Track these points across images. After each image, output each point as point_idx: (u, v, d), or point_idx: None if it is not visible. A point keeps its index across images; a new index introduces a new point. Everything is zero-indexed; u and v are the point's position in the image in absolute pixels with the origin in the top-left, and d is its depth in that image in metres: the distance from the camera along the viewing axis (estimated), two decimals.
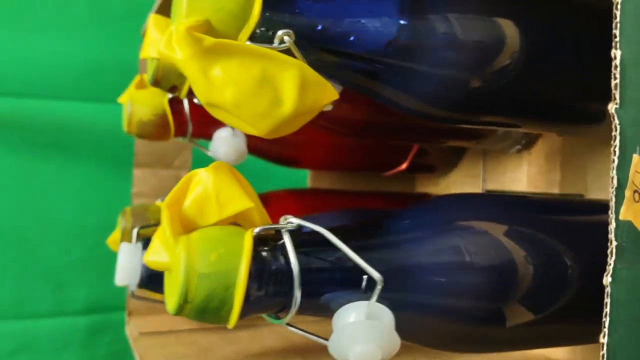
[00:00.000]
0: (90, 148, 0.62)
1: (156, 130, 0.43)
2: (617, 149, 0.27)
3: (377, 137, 0.43)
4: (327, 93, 0.26)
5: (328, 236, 0.24)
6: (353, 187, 0.57)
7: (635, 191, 0.28)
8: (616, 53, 0.27)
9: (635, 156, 0.28)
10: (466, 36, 0.28)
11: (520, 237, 0.28)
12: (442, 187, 0.54)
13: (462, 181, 0.52)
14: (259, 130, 0.25)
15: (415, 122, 0.40)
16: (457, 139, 0.44)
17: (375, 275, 0.24)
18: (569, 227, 0.29)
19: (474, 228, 0.28)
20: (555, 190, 0.42)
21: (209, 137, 0.45)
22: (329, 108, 0.31)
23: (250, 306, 0.23)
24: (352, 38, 0.27)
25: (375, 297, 0.24)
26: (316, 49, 0.27)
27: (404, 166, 0.49)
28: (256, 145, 0.46)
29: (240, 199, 0.24)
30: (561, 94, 0.31)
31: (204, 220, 0.24)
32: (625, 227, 0.27)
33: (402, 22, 0.27)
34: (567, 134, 0.39)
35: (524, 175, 0.45)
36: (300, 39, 0.27)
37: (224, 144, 0.44)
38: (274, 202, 0.48)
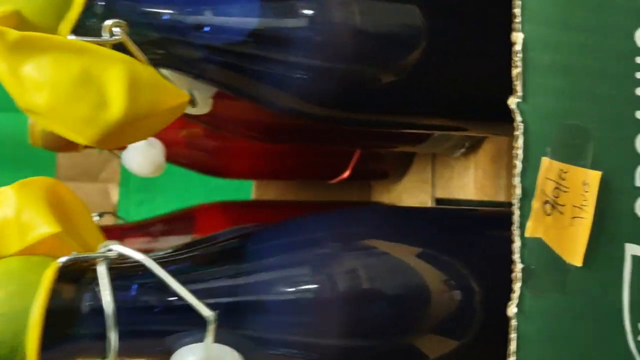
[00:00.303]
0: (9, 161, 0.59)
1: (62, 141, 0.39)
2: (520, 152, 0.22)
3: (293, 141, 0.39)
4: (169, 94, 0.22)
5: (150, 266, 0.20)
6: (305, 198, 0.53)
7: (546, 202, 0.23)
8: (517, 36, 0.23)
9: (544, 159, 0.23)
10: (345, 22, 0.24)
11: (418, 259, 0.23)
12: (395, 195, 0.50)
13: (413, 187, 0.47)
14: (87, 138, 0.21)
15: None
16: (390, 143, 0.40)
17: (205, 312, 0.19)
18: (475, 246, 0.25)
19: (374, 248, 0.23)
20: (502, 196, 0.38)
21: (124, 146, 0.41)
22: (201, 110, 0.27)
23: (54, 354, 0.19)
24: (207, 28, 0.23)
25: (209, 338, 0.19)
26: (164, 43, 0.23)
27: (346, 174, 0.45)
28: (177, 155, 0.42)
29: (43, 223, 0.20)
30: (467, 86, 0.26)
31: (4, 249, 0.20)
32: (533, 246, 0.23)
33: (266, 5, 0.23)
34: (496, 134, 0.35)
35: (470, 180, 0.40)
36: (144, 31, 0.23)
37: (138, 154, 0.40)
38: (200, 217, 0.44)
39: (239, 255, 0.22)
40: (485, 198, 0.39)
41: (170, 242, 0.44)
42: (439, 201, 0.43)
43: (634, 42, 0.24)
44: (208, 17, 0.23)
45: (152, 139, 0.41)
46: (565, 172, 0.22)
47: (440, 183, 0.43)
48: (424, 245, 0.23)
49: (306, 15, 0.24)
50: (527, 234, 0.22)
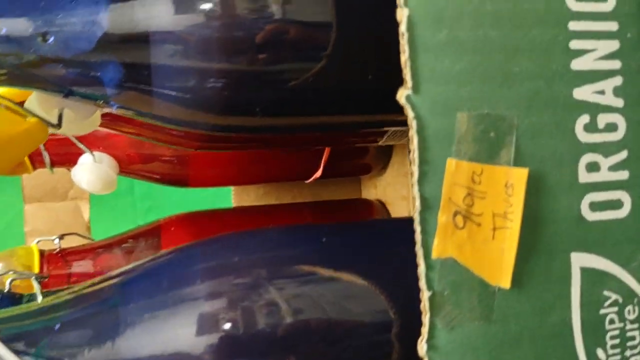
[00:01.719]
0: None
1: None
2: (416, 155, 0.18)
3: (243, 147, 0.35)
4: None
5: None
6: (290, 199, 0.50)
7: (456, 213, 0.19)
8: (402, 13, 0.18)
9: (450, 161, 0.19)
10: (256, 15, 0.21)
11: (311, 287, 0.20)
12: (380, 190, 0.46)
13: (395, 182, 0.43)
14: None
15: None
16: (344, 140, 0.36)
17: None
18: (390, 266, 0.21)
19: (257, 283, 0.20)
20: None
21: (74, 164, 0.39)
22: (86, 129, 0.24)
23: None
24: (50, 39, 0.20)
25: None
26: (5, 59, 0.21)
27: (318, 173, 0.42)
28: (133, 170, 0.40)
29: None
30: (383, 76, 0.22)
31: None
32: (443, 269, 0.19)
33: (114, 5, 0.20)
34: None
35: None
36: None
37: (86, 172, 0.37)
38: (164, 231, 0.41)
39: (103, 302, 0.19)
40: None
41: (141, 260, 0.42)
42: None
43: (565, 3, 0.20)
44: (48, 25, 0.20)
45: (100, 154, 0.38)
46: (479, 174, 0.18)
47: None
48: (321, 268, 0.19)
49: (200, 11, 0.20)
50: (434, 255, 0.18)
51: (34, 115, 0.21)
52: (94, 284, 0.21)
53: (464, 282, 0.18)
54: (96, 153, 0.38)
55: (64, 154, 0.39)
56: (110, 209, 0.53)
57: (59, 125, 0.22)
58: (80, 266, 0.41)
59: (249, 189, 0.48)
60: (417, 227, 0.18)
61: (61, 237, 0.41)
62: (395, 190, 0.42)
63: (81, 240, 0.44)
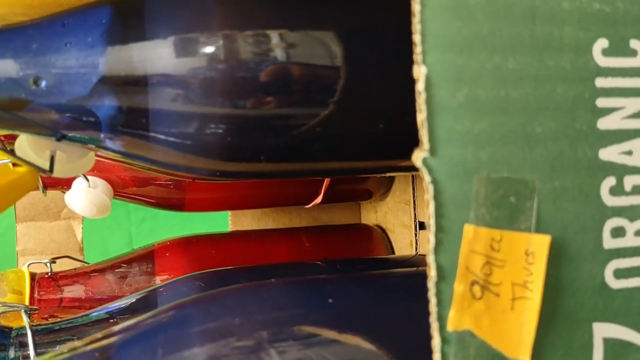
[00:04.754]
0: None
1: None
2: (432, 221, 0.17)
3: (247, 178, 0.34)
4: None
5: None
6: (289, 222, 0.49)
7: (473, 282, 0.18)
8: (419, 70, 0.17)
9: (467, 227, 0.18)
10: (260, 58, 0.19)
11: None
12: (381, 215, 0.45)
13: (397, 208, 0.42)
14: None
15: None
16: (349, 174, 0.35)
17: None
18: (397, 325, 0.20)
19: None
20: None
21: (67, 186, 0.38)
22: (79, 170, 0.23)
23: None
24: (43, 83, 0.19)
25: None
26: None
27: (319, 199, 0.40)
28: (127, 194, 0.38)
29: None
30: (391, 123, 0.21)
31: None
32: (459, 342, 0.18)
33: (111, 49, 0.19)
34: None
35: None
36: None
37: (80, 198, 0.36)
38: (158, 257, 0.40)
39: None
40: None
41: (135, 285, 0.41)
42: (421, 225, 0.38)
43: (592, 59, 0.19)
44: (40, 69, 0.19)
45: (95, 179, 0.37)
46: (498, 241, 0.17)
47: (422, 204, 0.38)
48: (326, 330, 0.18)
49: (203, 54, 0.19)
50: (449, 328, 0.17)
51: (25, 162, 0.20)
52: (87, 343, 0.19)
53: (481, 356, 0.17)
54: (90, 177, 0.37)
55: (53, 177, 0.38)
56: (104, 218, 0.51)
57: (50, 171, 0.21)
58: (72, 291, 0.40)
59: (247, 213, 0.47)
60: (432, 299, 0.17)
61: (53, 260, 0.40)
62: (396, 217, 0.41)
63: (74, 260, 0.43)
